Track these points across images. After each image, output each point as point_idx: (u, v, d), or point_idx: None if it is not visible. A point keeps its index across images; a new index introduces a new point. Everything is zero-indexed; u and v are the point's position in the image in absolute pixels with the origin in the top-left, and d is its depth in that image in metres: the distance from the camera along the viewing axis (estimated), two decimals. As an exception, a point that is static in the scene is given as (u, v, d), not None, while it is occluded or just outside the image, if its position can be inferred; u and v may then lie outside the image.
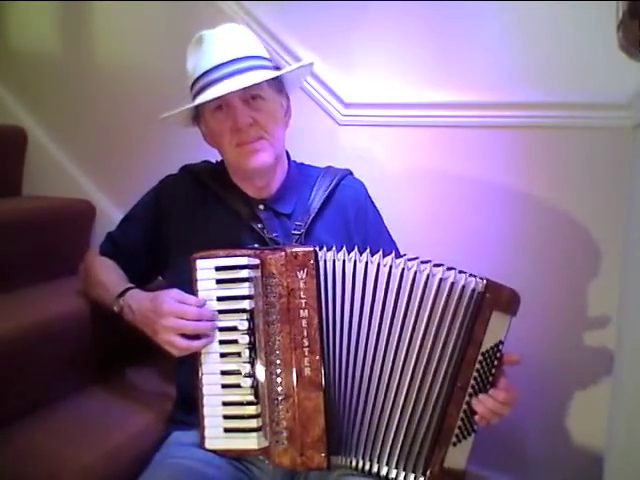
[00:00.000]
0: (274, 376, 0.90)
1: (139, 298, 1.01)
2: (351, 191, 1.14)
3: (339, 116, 1.37)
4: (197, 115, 1.08)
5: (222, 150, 1.06)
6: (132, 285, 1.06)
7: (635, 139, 1.04)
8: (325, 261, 0.91)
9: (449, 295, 0.89)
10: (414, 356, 0.89)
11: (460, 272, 0.90)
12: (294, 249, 0.91)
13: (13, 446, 1.00)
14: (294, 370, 0.89)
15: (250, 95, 1.00)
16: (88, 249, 1.62)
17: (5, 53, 1.80)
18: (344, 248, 0.92)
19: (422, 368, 0.89)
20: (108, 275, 1.12)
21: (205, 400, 0.93)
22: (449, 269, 0.90)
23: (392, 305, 0.89)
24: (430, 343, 0.89)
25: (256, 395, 0.92)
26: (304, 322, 0.89)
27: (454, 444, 0.90)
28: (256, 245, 0.98)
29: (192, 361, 0.95)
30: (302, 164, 1.19)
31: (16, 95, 1.79)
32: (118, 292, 1.04)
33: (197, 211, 1.09)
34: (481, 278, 0.90)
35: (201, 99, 0.98)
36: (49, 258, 1.50)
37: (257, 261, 0.92)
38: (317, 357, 0.89)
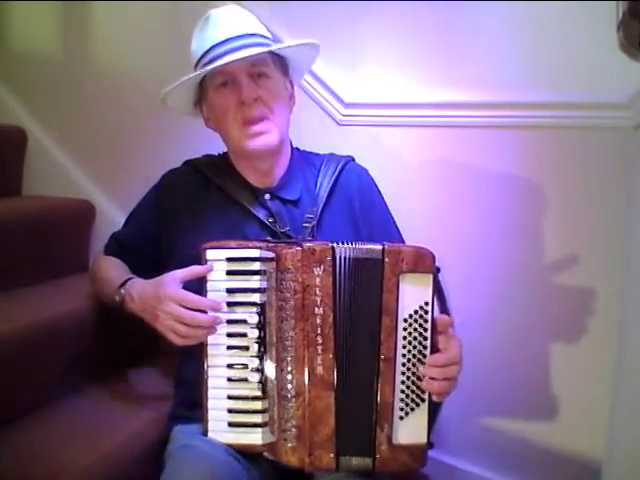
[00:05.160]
0: (285, 373, 0.89)
1: (141, 285, 1.00)
2: (354, 176, 1.13)
3: (339, 116, 1.37)
4: (199, 98, 1.08)
5: (225, 130, 1.05)
6: (134, 276, 1.05)
7: (635, 139, 1.04)
8: (341, 257, 0.88)
9: (354, 271, 0.88)
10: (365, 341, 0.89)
11: (360, 244, 0.89)
12: (311, 244, 0.89)
13: (13, 446, 1.00)
14: (306, 368, 0.88)
15: (256, 73, 1.01)
16: (88, 249, 1.64)
17: (5, 53, 1.80)
18: (358, 243, 0.90)
19: (359, 348, 0.88)
20: (112, 270, 1.12)
21: (210, 393, 0.92)
22: (351, 244, 0.89)
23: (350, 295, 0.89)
24: (360, 324, 0.88)
25: (263, 391, 0.91)
26: (318, 319, 0.87)
27: (401, 418, 0.88)
28: (268, 238, 0.97)
29: (197, 356, 0.93)
30: (304, 151, 1.18)
31: (16, 95, 1.79)
32: (120, 282, 1.03)
33: (202, 205, 1.08)
34: (380, 244, 0.89)
35: (208, 68, 0.98)
36: (49, 258, 1.50)
37: (270, 254, 0.90)
38: (330, 355, 0.87)
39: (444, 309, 0.91)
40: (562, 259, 1.22)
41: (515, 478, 1.31)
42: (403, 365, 0.88)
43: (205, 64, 1.00)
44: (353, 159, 1.17)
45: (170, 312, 0.90)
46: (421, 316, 0.88)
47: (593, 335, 1.19)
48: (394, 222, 1.15)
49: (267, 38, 1.06)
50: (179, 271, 0.94)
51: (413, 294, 0.88)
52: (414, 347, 0.88)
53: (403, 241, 1.13)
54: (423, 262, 0.88)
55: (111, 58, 1.66)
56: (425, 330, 0.88)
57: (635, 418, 0.92)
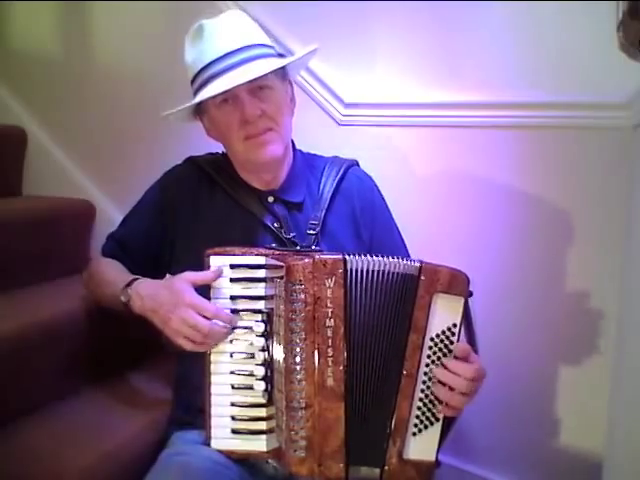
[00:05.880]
0: (294, 384, 0.87)
1: (152, 285, 0.97)
2: (357, 180, 1.12)
3: (339, 116, 1.37)
4: (199, 109, 1.05)
5: (229, 144, 1.04)
6: (139, 276, 1.03)
7: (635, 139, 1.04)
8: (351, 269, 0.87)
9: (393, 285, 0.87)
10: (383, 353, 0.88)
11: (397, 259, 0.88)
12: (322, 256, 0.87)
13: (13, 446, 1.00)
14: (316, 380, 0.86)
15: (257, 86, 0.98)
16: (88, 249, 1.64)
17: (5, 53, 1.81)
18: (369, 255, 0.88)
19: (373, 361, 0.88)
20: (113, 272, 1.09)
21: (213, 400, 0.91)
22: (389, 258, 0.88)
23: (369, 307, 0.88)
24: (390, 338, 0.88)
25: (269, 398, 0.90)
26: (329, 331, 0.86)
27: (414, 434, 0.89)
28: (274, 245, 0.96)
29: (196, 361, 0.93)
30: (308, 153, 1.17)
31: (16, 95, 1.79)
32: (125, 283, 1.00)
33: (204, 206, 1.07)
34: (416, 261, 0.88)
35: (207, 93, 0.96)
36: (49, 258, 1.51)
37: (278, 263, 0.89)
38: (341, 367, 0.86)
39: (470, 334, 0.91)
40: (561, 258, 1.22)
41: (516, 476, 1.31)
42: (423, 383, 0.88)
43: (204, 81, 0.98)
44: (357, 163, 1.16)
45: (187, 319, 0.88)
46: (447, 337, 0.88)
47: (592, 333, 1.19)
48: (397, 228, 1.14)
49: (266, 46, 1.01)
50: (190, 274, 0.92)
51: (443, 315, 0.88)
52: (436, 366, 0.88)
53: (406, 248, 1.13)
54: (458, 285, 0.88)
55: (111, 58, 1.66)
56: (449, 351, 0.88)
57: (634, 414, 0.92)
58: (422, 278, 0.87)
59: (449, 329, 0.88)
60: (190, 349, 0.90)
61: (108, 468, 0.99)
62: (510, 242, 1.25)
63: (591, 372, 1.20)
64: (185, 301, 0.88)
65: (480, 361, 0.90)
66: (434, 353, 0.88)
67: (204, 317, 0.88)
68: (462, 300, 0.88)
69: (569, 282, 1.22)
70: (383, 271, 0.88)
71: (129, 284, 1.00)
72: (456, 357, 0.88)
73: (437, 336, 0.88)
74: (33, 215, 1.52)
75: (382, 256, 0.89)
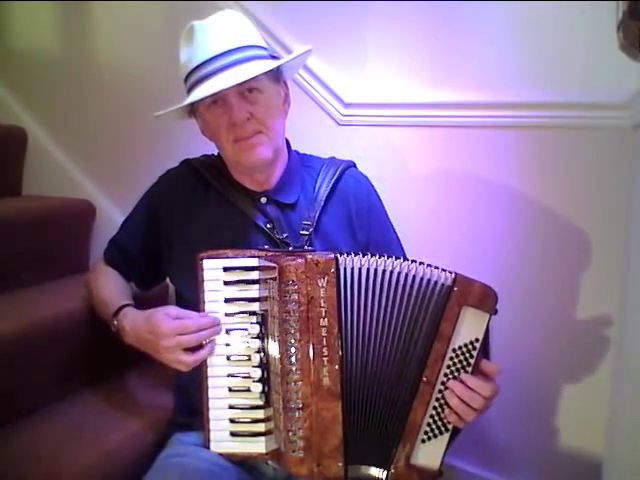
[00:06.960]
0: (291, 384, 0.88)
1: (132, 319, 0.99)
2: (353, 182, 1.11)
3: (339, 116, 1.37)
4: (192, 108, 1.05)
5: (219, 145, 1.04)
6: (126, 302, 1.04)
7: (635, 139, 1.04)
8: (345, 268, 0.88)
9: (418, 290, 0.88)
10: (389, 353, 0.89)
11: (430, 266, 0.88)
12: (315, 256, 0.87)
13: (12, 447, 1.00)
14: (312, 380, 0.87)
15: (246, 88, 0.97)
16: (88, 249, 1.64)
17: (5, 53, 1.81)
18: (362, 254, 0.89)
19: (394, 363, 0.89)
20: (107, 291, 1.10)
21: (211, 403, 0.92)
22: (421, 264, 0.88)
23: (384, 308, 0.89)
24: (400, 339, 0.88)
25: (267, 400, 0.91)
26: (324, 331, 0.87)
27: (423, 441, 0.89)
28: (266, 246, 0.96)
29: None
30: (304, 154, 1.16)
31: (16, 95, 1.79)
32: (113, 311, 1.02)
33: (199, 208, 1.07)
34: (450, 272, 0.88)
35: (195, 96, 0.95)
36: (49, 258, 1.51)
37: (269, 263, 0.90)
38: (336, 366, 0.87)
39: (486, 351, 0.91)
40: (560, 258, 1.22)
41: (515, 476, 1.31)
42: (439, 392, 0.89)
43: (194, 82, 0.97)
44: (354, 165, 1.16)
45: (173, 346, 0.90)
46: (469, 350, 0.88)
47: (592, 333, 1.19)
48: (394, 231, 1.14)
49: (258, 47, 1.00)
50: (173, 310, 0.94)
51: (468, 328, 0.88)
52: (454, 378, 0.88)
53: (402, 248, 1.13)
54: (487, 301, 0.88)
55: (111, 57, 1.66)
56: (468, 365, 0.88)
57: (634, 414, 0.92)
58: (455, 289, 0.87)
59: (471, 343, 0.88)
60: (187, 370, 0.92)
61: (107, 468, 1.00)
62: (509, 242, 1.25)
63: (591, 372, 1.20)
64: (164, 331, 0.90)
65: (495, 385, 0.90)
66: (453, 364, 0.88)
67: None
68: (487, 316, 0.88)
69: (568, 282, 1.21)
70: (391, 271, 0.88)
71: (116, 313, 1.02)
72: (482, 373, 0.89)
73: (459, 348, 0.88)
74: (33, 215, 1.52)
75: (390, 257, 0.89)
